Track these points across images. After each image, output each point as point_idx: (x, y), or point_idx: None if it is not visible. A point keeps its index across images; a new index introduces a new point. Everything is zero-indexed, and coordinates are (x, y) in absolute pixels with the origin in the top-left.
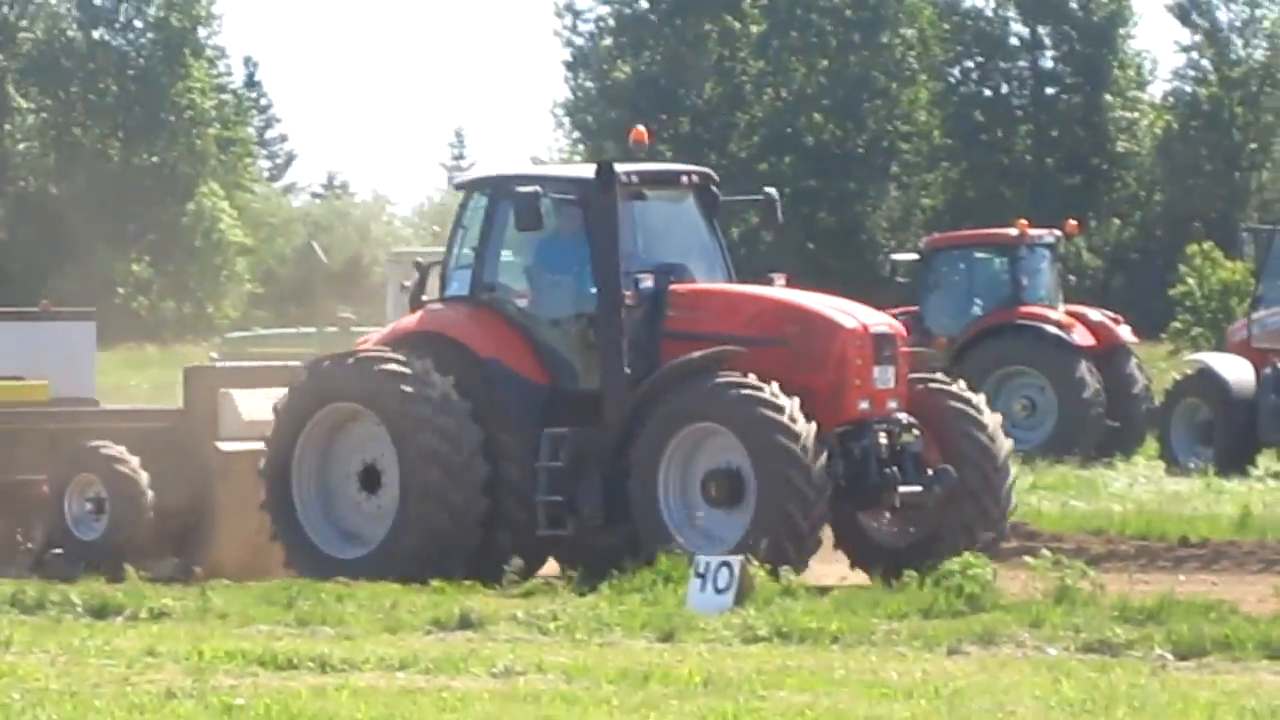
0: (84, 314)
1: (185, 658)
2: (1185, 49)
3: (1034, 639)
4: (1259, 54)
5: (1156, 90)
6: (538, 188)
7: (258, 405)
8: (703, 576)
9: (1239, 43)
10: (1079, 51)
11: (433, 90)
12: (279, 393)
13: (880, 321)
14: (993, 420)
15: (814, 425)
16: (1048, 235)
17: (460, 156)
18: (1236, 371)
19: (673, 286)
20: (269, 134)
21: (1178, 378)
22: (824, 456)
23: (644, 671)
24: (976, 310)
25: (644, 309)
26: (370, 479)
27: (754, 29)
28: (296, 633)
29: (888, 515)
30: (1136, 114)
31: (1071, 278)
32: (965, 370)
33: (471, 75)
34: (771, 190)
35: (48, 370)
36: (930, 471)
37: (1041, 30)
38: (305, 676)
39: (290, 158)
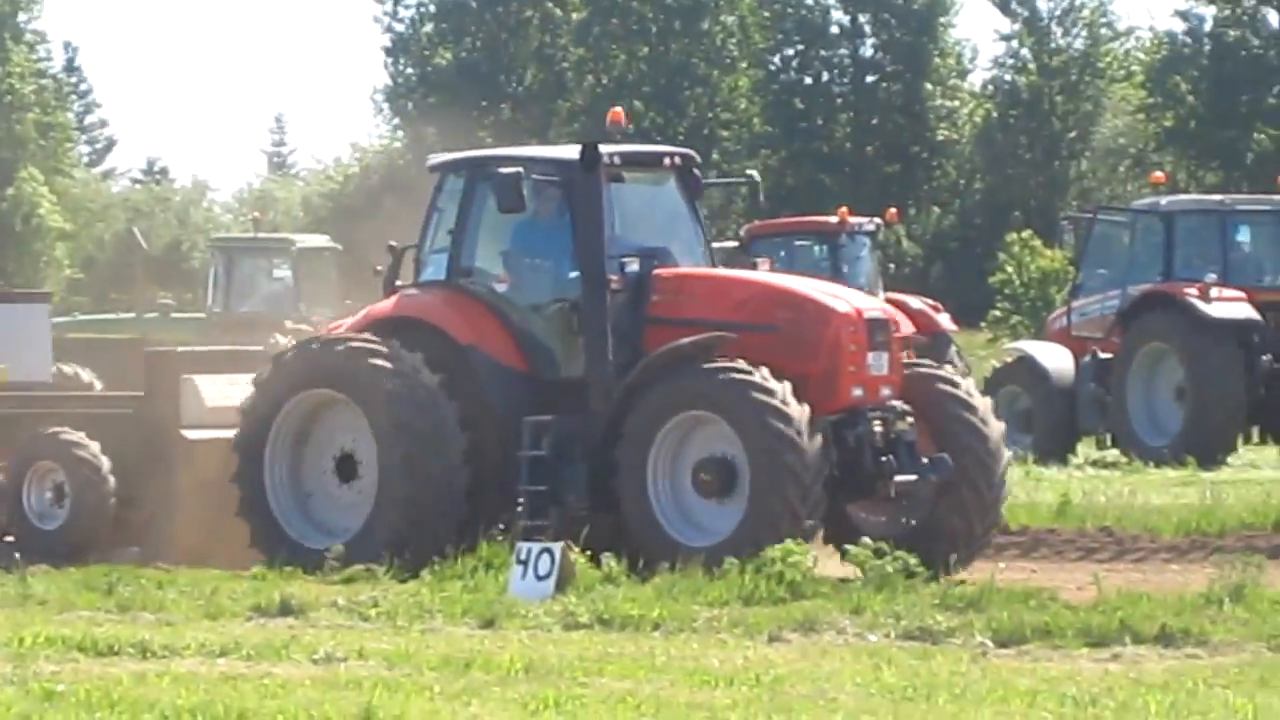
0: (39, 296)
1: (5, 644)
2: (1005, 38)
3: (855, 626)
4: (1078, 43)
5: (976, 79)
6: (519, 169)
7: (220, 391)
8: (524, 563)
9: (1058, 31)
10: (899, 40)
11: (253, 76)
12: (242, 378)
13: (873, 306)
14: (983, 404)
15: (807, 409)
16: (867, 223)
17: (281, 143)
18: (1056, 360)
19: (656, 271)
20: (89, 119)
21: (997, 366)
22: (819, 440)
23: (465, 658)
24: None
25: (627, 294)
26: (346, 468)
27: (575, 16)
28: (117, 619)
29: (880, 505)
30: (956, 102)
31: (891, 265)
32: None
33: (292, 61)
34: (754, 173)
35: (2, 354)
36: (926, 460)
37: (862, 18)
38: (126, 663)
39: (110, 143)
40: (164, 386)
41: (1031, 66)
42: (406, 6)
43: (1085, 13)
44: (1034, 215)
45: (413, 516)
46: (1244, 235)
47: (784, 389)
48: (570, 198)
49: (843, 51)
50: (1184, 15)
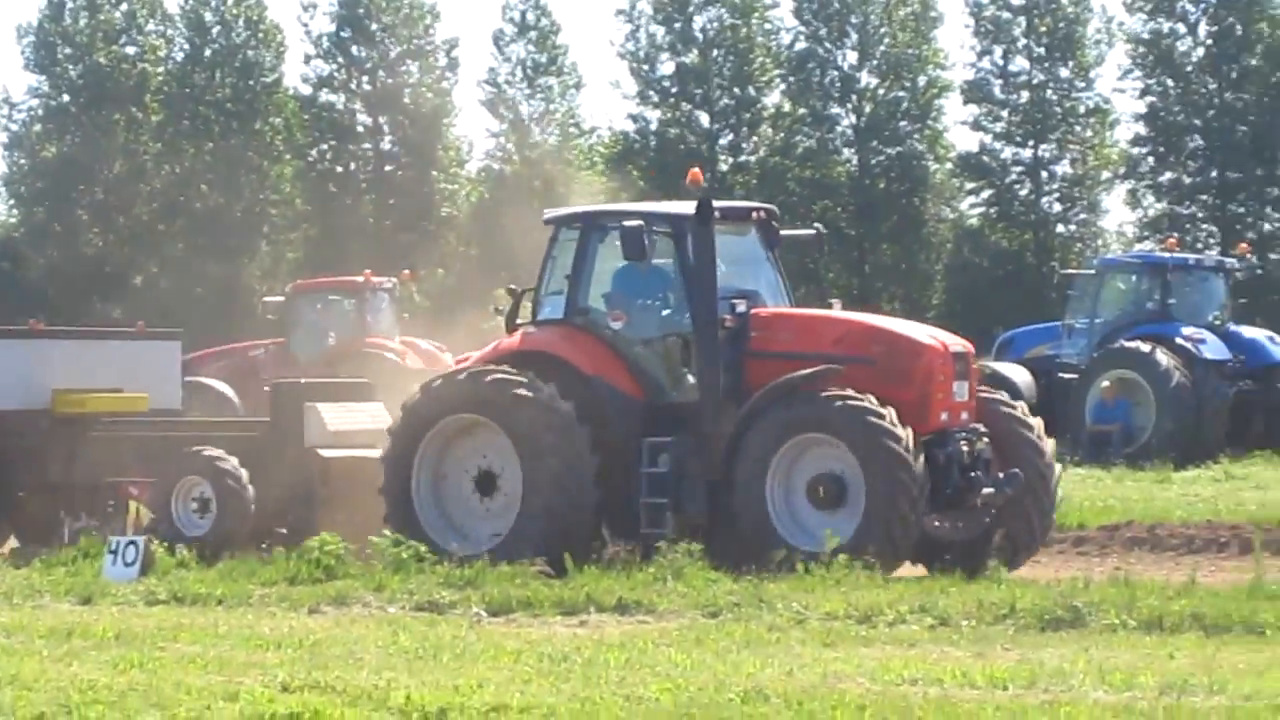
0: (171, 334)
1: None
2: (495, 134)
3: (378, 600)
4: (552, 139)
5: (473, 166)
6: (641, 222)
7: (338, 417)
8: (114, 553)
9: (536, 129)
10: (411, 136)
11: None
12: (358, 406)
13: (956, 342)
14: (1038, 423)
15: (910, 430)
16: (387, 281)
17: None
18: None
19: (753, 310)
20: None
21: None
22: (922, 457)
23: (67, 629)
24: (331, 340)
25: (730, 331)
26: (485, 484)
27: (154, 118)
28: None
29: (952, 515)
30: (457, 186)
31: (406, 315)
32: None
33: None
34: (820, 226)
35: (142, 385)
36: (1001, 475)
37: (382, 119)
38: None
39: None
40: (289, 413)
41: (515, 158)
42: (20, 110)
43: (558, 115)
44: (517, 275)
45: (553, 526)
46: None
47: (891, 413)
48: (684, 247)
49: (366, 146)
50: (634, 118)
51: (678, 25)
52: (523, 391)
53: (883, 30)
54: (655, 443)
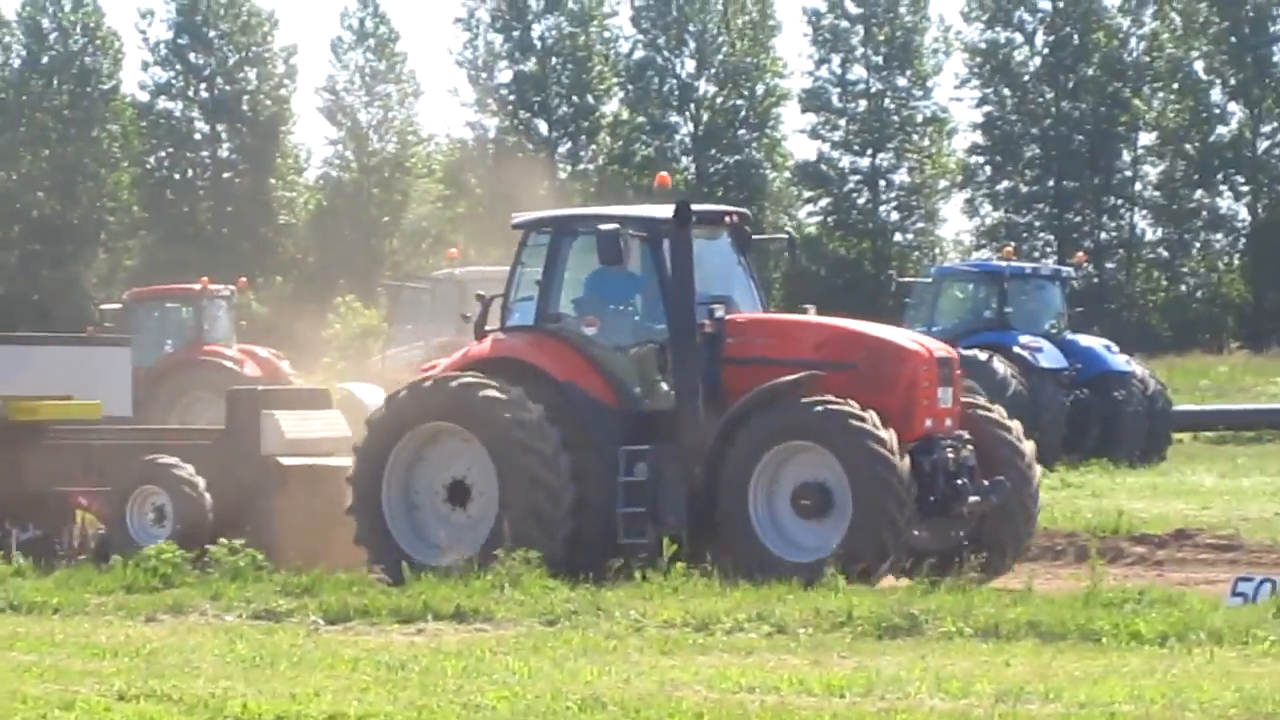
0: (122, 340)
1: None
2: (333, 142)
3: (214, 609)
4: (391, 146)
5: (311, 174)
6: (618, 225)
7: (295, 425)
8: None
9: (375, 138)
10: (249, 144)
11: None
12: (314, 413)
13: (940, 347)
14: (1016, 426)
15: (894, 433)
16: (224, 289)
17: None
18: (373, 396)
19: (729, 316)
20: None
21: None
22: (907, 461)
23: None
24: (168, 348)
25: (706, 337)
26: (458, 493)
27: None
28: None
29: (933, 523)
30: (295, 193)
31: (243, 323)
32: (159, 396)
33: None
34: (792, 231)
35: (92, 391)
36: (986, 482)
37: (220, 127)
38: None
39: None
40: (245, 420)
41: (354, 165)
42: None
43: (396, 123)
44: (356, 283)
45: (534, 524)
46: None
47: (873, 416)
48: (659, 251)
49: (204, 153)
50: (473, 125)
51: (516, 33)
52: (491, 394)
53: (721, 39)
54: (632, 450)
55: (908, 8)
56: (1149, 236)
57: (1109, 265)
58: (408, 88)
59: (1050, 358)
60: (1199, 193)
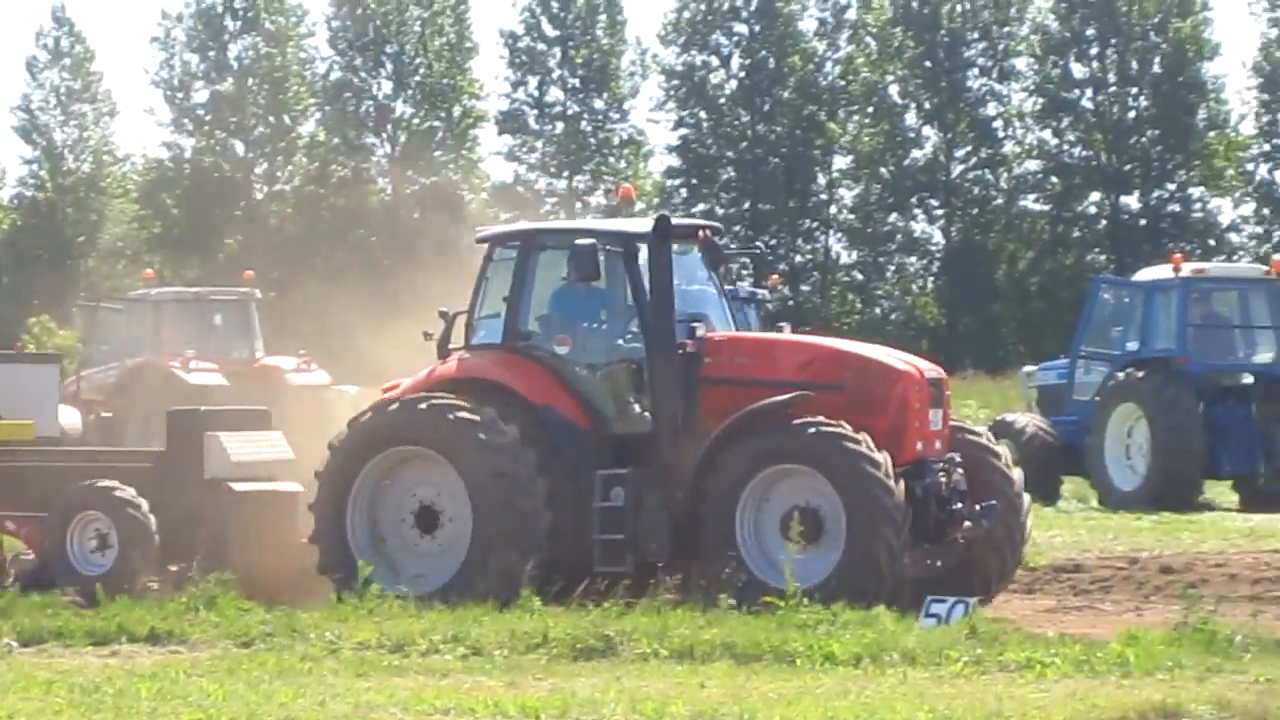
0: (50, 357)
1: None
2: (28, 161)
3: None
4: (86, 166)
5: (5, 194)
6: (594, 240)
7: (241, 448)
8: None
9: (70, 157)
10: None
11: None
12: (258, 435)
13: (930, 367)
14: (1005, 453)
15: (888, 455)
16: None
17: None
18: (69, 417)
19: (707, 334)
20: None
21: None
22: (902, 484)
23: None
24: None
25: (684, 356)
26: (426, 519)
27: None
28: None
29: (914, 551)
30: None
31: None
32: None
33: None
34: (762, 245)
35: (21, 410)
36: (978, 507)
37: None
38: None
39: None
40: (187, 442)
41: (49, 185)
42: None
43: (92, 142)
44: (51, 303)
45: (500, 579)
46: (218, 318)
47: (867, 439)
48: (636, 267)
49: None
50: (169, 145)
51: (212, 53)
52: (463, 415)
53: (419, 60)
54: (608, 475)
55: (605, 30)
56: (844, 259)
57: (804, 288)
58: (103, 107)
59: None
60: (894, 216)
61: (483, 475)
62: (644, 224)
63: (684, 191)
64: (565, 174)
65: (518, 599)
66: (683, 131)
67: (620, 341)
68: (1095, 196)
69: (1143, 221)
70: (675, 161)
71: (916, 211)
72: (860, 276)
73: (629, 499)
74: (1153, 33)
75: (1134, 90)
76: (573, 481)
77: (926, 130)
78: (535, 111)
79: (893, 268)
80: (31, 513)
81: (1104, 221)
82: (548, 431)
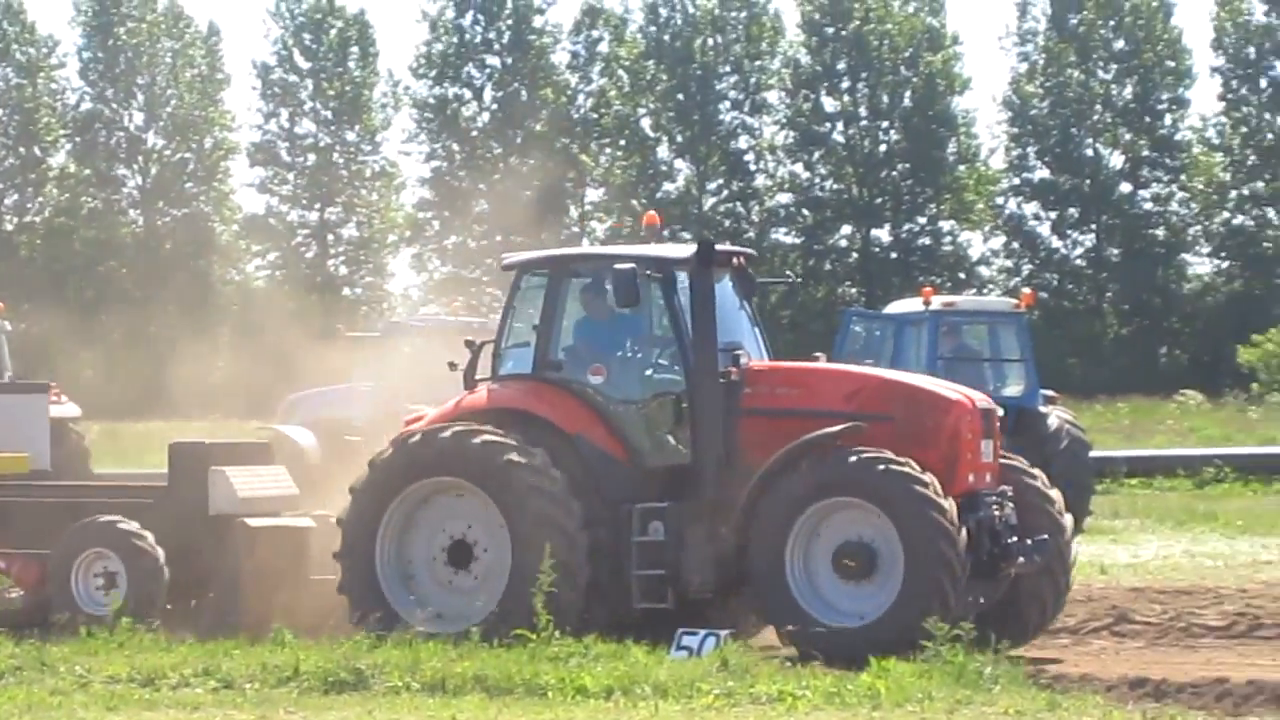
0: (39, 386)
1: None
2: None
3: None
4: None
5: None
6: (634, 265)
7: (246, 482)
8: None
9: None
10: None
11: None
12: (262, 469)
13: (981, 398)
14: (1058, 496)
15: (952, 501)
16: None
17: None
18: None
19: (749, 364)
20: None
21: None
22: (964, 531)
23: None
24: None
25: (724, 386)
26: (459, 554)
27: None
28: None
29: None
30: None
31: None
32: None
33: None
34: (792, 273)
35: (13, 443)
36: (1029, 542)
37: None
38: None
39: None
40: (190, 476)
41: None
42: None
43: None
44: None
45: (544, 604)
46: None
47: (934, 481)
48: (675, 294)
49: None
50: None
51: None
52: (516, 458)
53: (170, 91)
54: (647, 509)
55: (356, 62)
56: None
57: None
58: None
59: None
60: None
61: (528, 522)
62: (684, 249)
63: (436, 224)
64: (317, 206)
65: (559, 637)
66: (435, 163)
67: (657, 371)
68: (846, 230)
69: (893, 254)
70: (427, 193)
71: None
72: None
73: (669, 533)
74: (903, 67)
75: (884, 124)
76: (609, 515)
77: (679, 163)
78: (287, 144)
79: None
80: (23, 549)
81: (855, 254)
82: (583, 464)
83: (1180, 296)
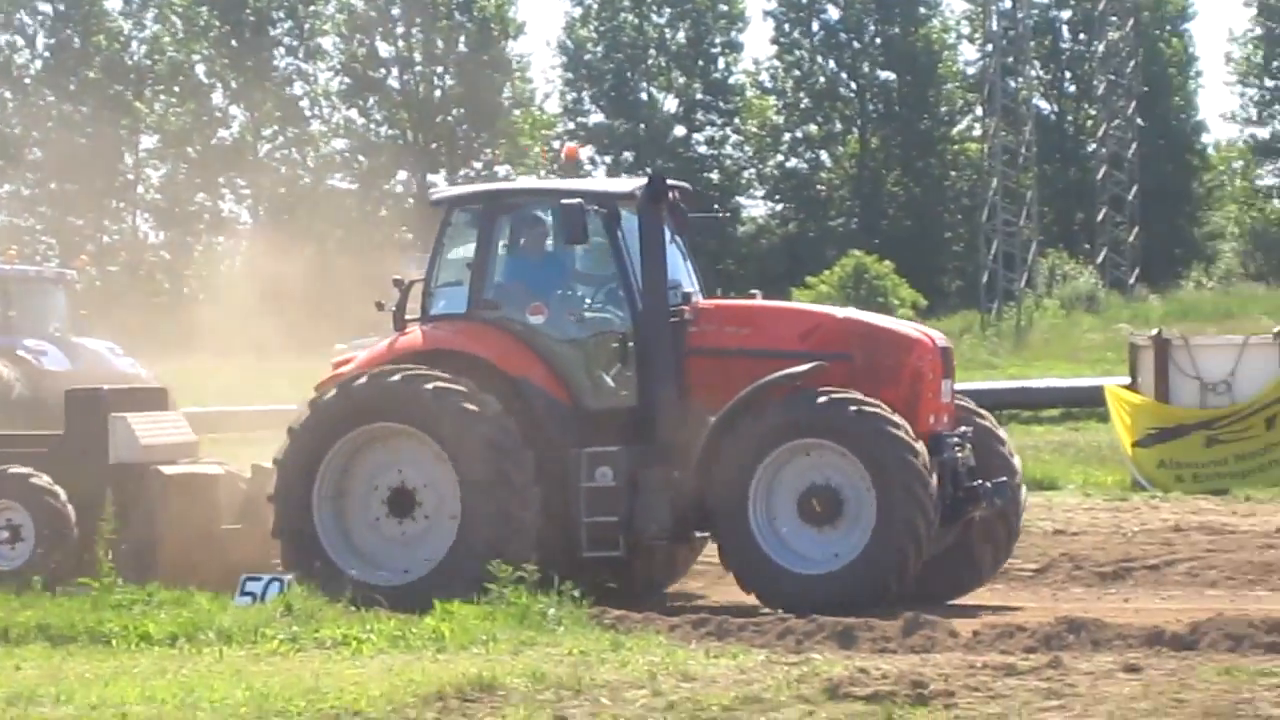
0: None
1: None
2: None
3: None
4: None
5: None
6: (580, 199)
7: (148, 430)
8: None
9: None
10: None
11: None
12: (160, 415)
13: (940, 336)
14: (1007, 436)
15: (923, 443)
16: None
17: None
18: None
19: (697, 302)
20: None
21: None
22: (935, 476)
23: None
24: None
25: (671, 325)
26: (400, 503)
27: None
28: None
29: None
30: None
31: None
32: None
33: None
34: (717, 208)
35: None
36: (989, 484)
37: None
38: None
39: None
40: (87, 425)
41: None
42: None
43: None
44: None
45: (503, 526)
46: None
47: (906, 423)
48: (619, 229)
49: None
50: None
51: None
52: (469, 405)
53: None
54: (595, 453)
55: None
56: (152, 239)
57: (112, 268)
58: None
59: (54, 360)
60: (201, 195)
61: (479, 470)
62: (630, 183)
63: None
64: None
65: (519, 583)
66: None
67: (599, 310)
68: (403, 175)
69: None
70: None
71: (224, 191)
72: (168, 256)
73: (620, 478)
74: (458, 11)
75: (439, 69)
76: (554, 460)
77: (234, 109)
78: None
79: (201, 247)
80: None
81: (411, 200)
82: (526, 406)
83: (736, 239)
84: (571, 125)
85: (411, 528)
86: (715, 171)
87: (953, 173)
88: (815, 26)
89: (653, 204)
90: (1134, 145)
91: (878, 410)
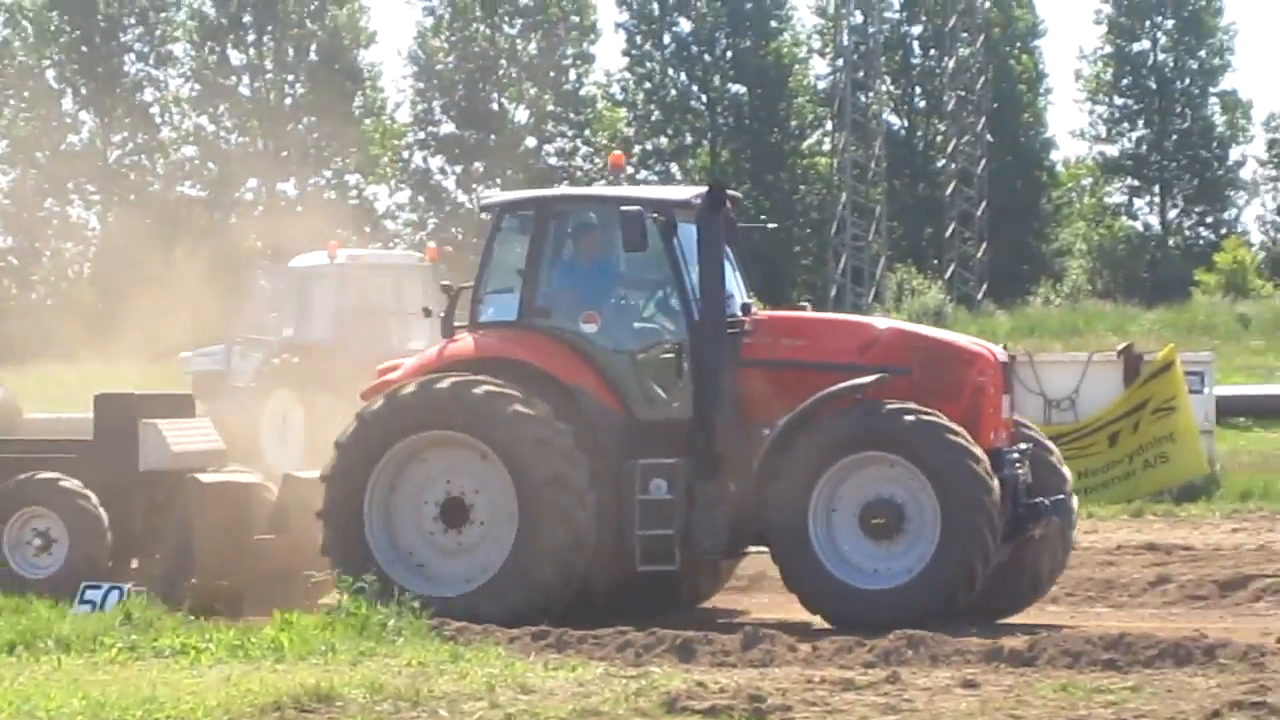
0: None
1: None
2: None
3: None
4: None
5: None
6: (640, 207)
7: (178, 436)
8: None
9: None
10: None
11: None
12: (189, 422)
13: (998, 350)
14: (1058, 450)
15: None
16: None
17: None
18: None
19: (755, 313)
20: None
21: None
22: (997, 484)
23: None
24: None
25: (727, 336)
26: (453, 513)
27: None
28: None
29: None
30: None
31: None
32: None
33: None
34: (765, 219)
35: None
36: (1047, 501)
37: None
38: None
39: None
40: (118, 430)
41: None
42: None
43: None
44: None
45: (556, 571)
46: None
47: (965, 432)
48: (676, 239)
49: None
50: None
51: None
52: (522, 409)
53: None
54: (650, 465)
55: None
56: (2, 245)
57: None
58: None
59: None
60: (50, 201)
61: (527, 449)
62: (688, 192)
63: None
64: None
65: (566, 593)
66: None
67: (653, 320)
68: (253, 183)
69: (299, 208)
70: None
71: (73, 197)
72: (16, 262)
73: (675, 491)
74: (309, 20)
75: (290, 77)
76: (610, 471)
77: (83, 115)
78: None
79: (49, 254)
80: None
81: (261, 208)
82: (582, 416)
83: None
84: (422, 135)
85: (469, 534)
86: (566, 183)
87: (802, 187)
88: (667, 39)
89: (711, 213)
90: (983, 161)
91: (937, 420)
